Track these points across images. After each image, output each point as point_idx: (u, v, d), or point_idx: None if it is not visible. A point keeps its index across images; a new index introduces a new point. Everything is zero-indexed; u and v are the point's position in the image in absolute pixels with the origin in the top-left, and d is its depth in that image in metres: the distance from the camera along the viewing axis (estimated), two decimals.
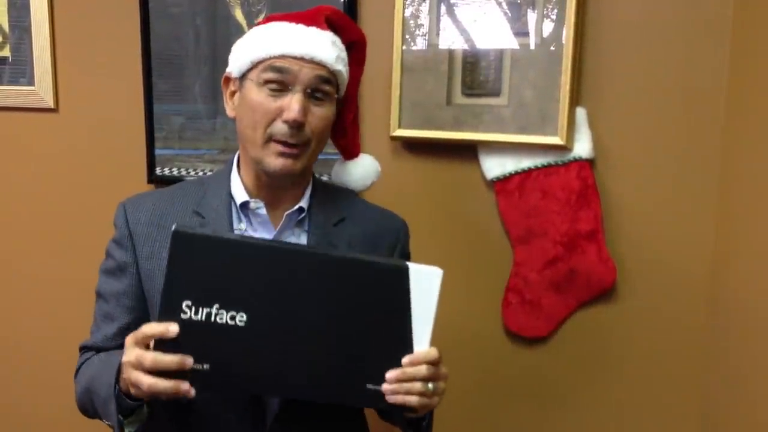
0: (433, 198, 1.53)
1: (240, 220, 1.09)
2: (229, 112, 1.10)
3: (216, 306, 0.87)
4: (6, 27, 1.75)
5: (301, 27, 1.03)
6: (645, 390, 1.45)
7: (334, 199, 1.16)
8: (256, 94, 1.02)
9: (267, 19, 1.07)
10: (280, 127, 1.02)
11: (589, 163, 1.40)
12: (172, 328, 0.85)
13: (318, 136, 1.05)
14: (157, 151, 1.68)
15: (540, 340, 1.50)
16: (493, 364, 1.53)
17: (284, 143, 1.02)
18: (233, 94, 1.09)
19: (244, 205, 1.08)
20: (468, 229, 1.52)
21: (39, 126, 1.78)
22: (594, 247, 1.41)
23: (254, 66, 1.03)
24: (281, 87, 1.02)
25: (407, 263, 0.93)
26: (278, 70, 1.01)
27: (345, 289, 0.91)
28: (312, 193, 1.12)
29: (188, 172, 1.67)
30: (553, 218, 1.43)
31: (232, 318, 0.88)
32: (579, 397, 1.49)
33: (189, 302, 0.86)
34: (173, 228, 0.86)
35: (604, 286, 1.43)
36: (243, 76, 1.06)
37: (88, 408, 1.06)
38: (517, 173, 1.44)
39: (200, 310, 0.87)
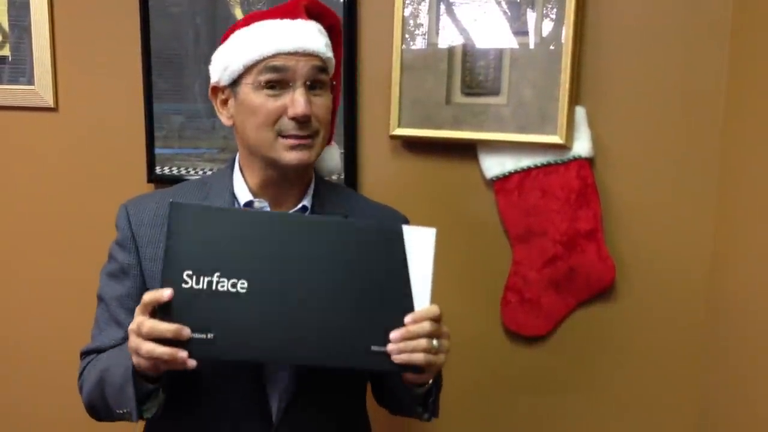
0: (433, 197, 1.53)
1: None
2: (225, 121, 1.09)
3: (217, 274, 0.89)
4: (6, 26, 1.76)
5: (287, 22, 1.03)
6: (644, 388, 1.45)
7: (335, 196, 1.16)
8: (256, 97, 1.02)
9: (245, 21, 1.05)
10: (287, 123, 1.01)
11: (589, 162, 1.41)
12: (165, 293, 0.87)
13: (325, 125, 1.06)
14: (157, 150, 1.68)
15: (539, 339, 1.50)
16: (493, 363, 1.54)
17: (294, 137, 1.02)
18: (225, 102, 1.08)
19: (248, 205, 1.08)
20: (467, 228, 1.52)
21: (39, 125, 1.78)
22: (593, 246, 1.41)
23: (247, 70, 1.02)
24: (281, 85, 1.01)
25: (401, 225, 0.95)
26: (276, 69, 1.01)
27: (343, 252, 0.92)
28: (314, 191, 1.13)
29: (188, 171, 1.67)
30: (552, 217, 1.43)
31: (234, 285, 0.89)
32: (578, 395, 1.50)
33: (190, 272, 0.88)
34: (170, 200, 0.88)
35: (604, 284, 1.43)
36: (235, 82, 1.04)
37: (98, 404, 1.04)
38: (516, 172, 1.44)
39: (201, 278, 0.89)
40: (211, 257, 0.89)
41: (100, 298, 1.11)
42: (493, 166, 1.45)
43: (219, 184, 1.11)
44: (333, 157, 1.23)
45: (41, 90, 1.75)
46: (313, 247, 0.92)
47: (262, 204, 1.08)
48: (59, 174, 1.79)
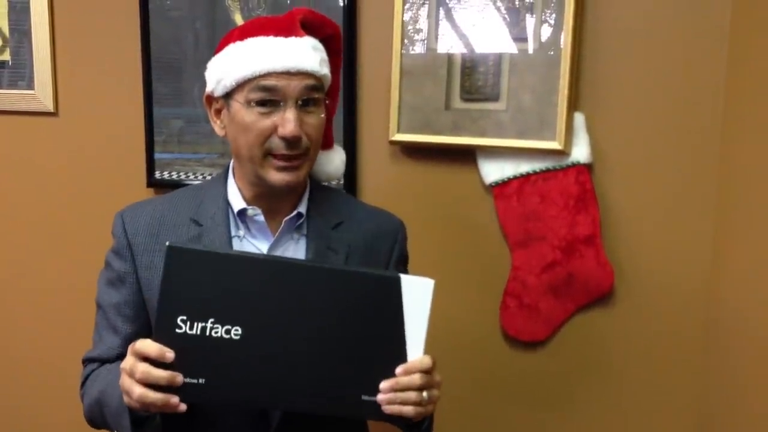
0: (432, 202, 1.53)
1: (238, 227, 1.09)
2: (218, 130, 1.09)
3: (211, 320, 0.88)
4: (6, 30, 1.76)
5: (280, 40, 1.01)
6: (642, 394, 1.45)
7: (331, 202, 1.16)
8: (246, 115, 1.01)
9: (241, 33, 1.04)
10: (277, 143, 1.01)
11: (587, 167, 1.41)
12: (168, 355, 0.87)
13: (315, 143, 1.05)
14: (157, 155, 1.68)
15: (538, 344, 1.50)
16: (491, 368, 1.54)
17: (283, 157, 1.02)
18: (218, 112, 1.08)
19: (242, 213, 1.08)
20: (466, 234, 1.52)
21: (39, 130, 1.78)
22: (592, 251, 1.41)
23: (239, 86, 1.01)
24: (272, 104, 1.01)
25: (399, 274, 0.93)
26: (266, 89, 1.00)
27: (338, 301, 0.91)
28: (310, 197, 1.13)
29: (188, 176, 1.67)
30: (551, 223, 1.44)
31: (227, 332, 0.89)
32: (576, 401, 1.50)
33: (184, 317, 0.88)
34: (167, 243, 0.87)
35: (602, 290, 1.43)
36: (228, 96, 1.04)
37: (98, 420, 1.07)
38: (515, 178, 1.44)
39: (195, 324, 0.88)
40: (206, 303, 0.88)
41: (99, 305, 1.12)
42: (492, 171, 1.46)
43: (213, 191, 1.11)
44: (331, 160, 1.22)
45: (41, 94, 1.75)
46: (309, 294, 0.91)
47: (255, 212, 1.07)
48: (59, 178, 1.79)
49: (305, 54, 1.02)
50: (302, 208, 1.10)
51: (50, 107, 1.76)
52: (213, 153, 1.65)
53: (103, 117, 1.73)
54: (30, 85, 1.76)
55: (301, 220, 1.10)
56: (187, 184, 1.45)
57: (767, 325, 1.15)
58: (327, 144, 1.21)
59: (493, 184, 1.46)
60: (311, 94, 1.02)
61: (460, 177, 1.50)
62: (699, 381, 1.41)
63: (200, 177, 1.66)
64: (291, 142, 1.01)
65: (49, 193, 1.80)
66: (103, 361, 1.10)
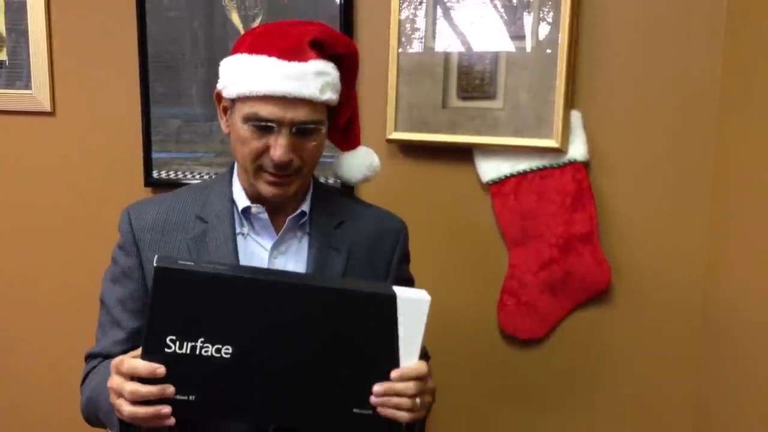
0: (429, 201, 1.53)
1: (242, 225, 1.10)
2: (224, 128, 1.09)
3: (201, 340, 0.87)
4: (2, 30, 1.75)
5: (283, 64, 0.99)
6: (639, 391, 1.45)
7: (334, 201, 1.17)
8: (242, 129, 1.01)
9: (252, 44, 1.03)
10: (268, 162, 1.02)
11: (584, 165, 1.41)
12: (159, 371, 0.86)
13: (309, 163, 1.05)
14: (154, 155, 1.68)
15: (535, 342, 1.50)
16: (489, 366, 1.54)
17: (273, 175, 1.03)
18: (226, 110, 1.08)
19: (246, 211, 1.09)
20: (464, 232, 1.52)
21: (36, 129, 1.78)
22: (589, 249, 1.42)
23: (240, 99, 1.02)
24: (266, 128, 1.00)
25: (395, 291, 0.92)
26: (261, 118, 1.00)
27: (332, 319, 0.90)
28: (313, 196, 1.13)
29: (185, 175, 1.67)
30: (548, 220, 1.44)
31: (218, 351, 0.87)
32: (574, 398, 1.50)
33: (173, 337, 0.86)
34: (155, 264, 0.85)
35: (599, 287, 1.43)
36: (233, 101, 1.04)
37: (92, 418, 1.08)
38: (512, 176, 1.45)
39: (185, 344, 0.86)
40: (196, 322, 0.86)
41: (103, 302, 1.12)
42: (490, 169, 1.46)
43: (218, 189, 1.12)
44: (347, 163, 1.20)
45: (38, 94, 1.75)
46: (301, 312, 0.89)
47: (259, 209, 1.08)
48: (56, 178, 1.79)
49: (306, 81, 1.00)
50: (305, 207, 1.11)
51: (47, 107, 1.75)
52: (210, 152, 1.65)
53: (100, 116, 1.73)
54: (27, 85, 1.76)
55: (304, 219, 1.11)
56: (185, 183, 1.45)
57: (764, 321, 1.16)
58: (351, 144, 1.20)
59: (490, 183, 1.46)
60: (306, 123, 1.01)
61: (457, 175, 1.50)
62: (696, 378, 1.41)
63: (198, 176, 1.66)
64: (280, 166, 1.01)
65: (47, 192, 1.80)
66: (106, 356, 1.09)
